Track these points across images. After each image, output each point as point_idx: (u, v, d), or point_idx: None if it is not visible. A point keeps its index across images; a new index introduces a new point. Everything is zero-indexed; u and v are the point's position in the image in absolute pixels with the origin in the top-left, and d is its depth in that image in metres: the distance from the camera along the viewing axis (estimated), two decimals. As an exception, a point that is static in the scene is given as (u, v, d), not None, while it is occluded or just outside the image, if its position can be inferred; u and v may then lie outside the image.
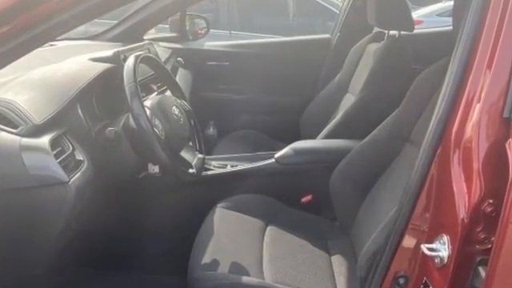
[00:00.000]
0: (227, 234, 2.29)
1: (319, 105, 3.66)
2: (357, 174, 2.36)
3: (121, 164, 2.26)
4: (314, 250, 2.29)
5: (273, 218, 2.46)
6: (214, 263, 2.05)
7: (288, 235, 2.36)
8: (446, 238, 1.23)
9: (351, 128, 2.95)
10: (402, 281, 1.46)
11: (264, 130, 3.95)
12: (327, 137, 3.05)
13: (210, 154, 3.20)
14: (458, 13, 1.69)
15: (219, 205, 2.46)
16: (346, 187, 2.39)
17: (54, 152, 1.79)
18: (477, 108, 1.24)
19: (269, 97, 4.18)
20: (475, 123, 1.23)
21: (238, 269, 2.04)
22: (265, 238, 2.31)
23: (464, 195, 1.20)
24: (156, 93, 2.72)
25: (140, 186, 2.54)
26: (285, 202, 2.62)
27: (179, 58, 3.78)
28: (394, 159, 2.18)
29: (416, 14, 8.81)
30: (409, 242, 1.46)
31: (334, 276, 2.14)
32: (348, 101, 3.29)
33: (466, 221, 1.18)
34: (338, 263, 2.21)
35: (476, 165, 1.20)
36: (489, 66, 1.24)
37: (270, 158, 2.79)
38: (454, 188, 1.23)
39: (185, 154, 2.47)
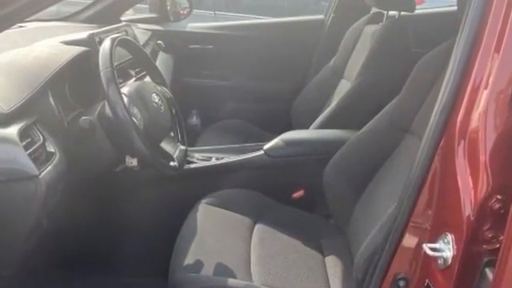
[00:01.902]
0: (212, 232, 2.28)
1: (312, 92, 3.66)
2: (353, 167, 2.36)
3: (96, 156, 2.25)
4: (307, 250, 2.29)
5: (261, 215, 2.46)
6: (198, 264, 2.05)
7: (278, 234, 2.35)
8: (450, 237, 1.23)
9: (347, 117, 2.95)
10: (402, 283, 1.46)
11: (252, 120, 3.94)
12: (321, 127, 3.05)
13: (193, 146, 3.19)
14: (463, -9, 1.68)
15: (203, 201, 2.46)
16: (341, 182, 2.38)
17: (23, 143, 1.77)
18: (484, 95, 1.24)
19: (257, 83, 4.18)
20: (482, 112, 1.22)
21: (223, 270, 2.03)
22: (253, 236, 2.31)
23: (470, 190, 1.19)
24: (134, 79, 2.71)
25: (117, 181, 2.53)
26: (274, 198, 2.62)
27: (159, 41, 3.77)
28: (393, 151, 2.18)
29: (417, -6, 8.80)
30: (409, 241, 1.45)
31: (328, 278, 2.14)
32: (343, 87, 3.28)
33: (471, 218, 1.17)
34: (333, 264, 2.22)
35: (483, 157, 1.19)
36: (497, 50, 1.24)
37: (258, 149, 2.79)
38: (459, 182, 1.23)
39: (165, 146, 2.46)
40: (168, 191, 2.70)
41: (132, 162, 2.24)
